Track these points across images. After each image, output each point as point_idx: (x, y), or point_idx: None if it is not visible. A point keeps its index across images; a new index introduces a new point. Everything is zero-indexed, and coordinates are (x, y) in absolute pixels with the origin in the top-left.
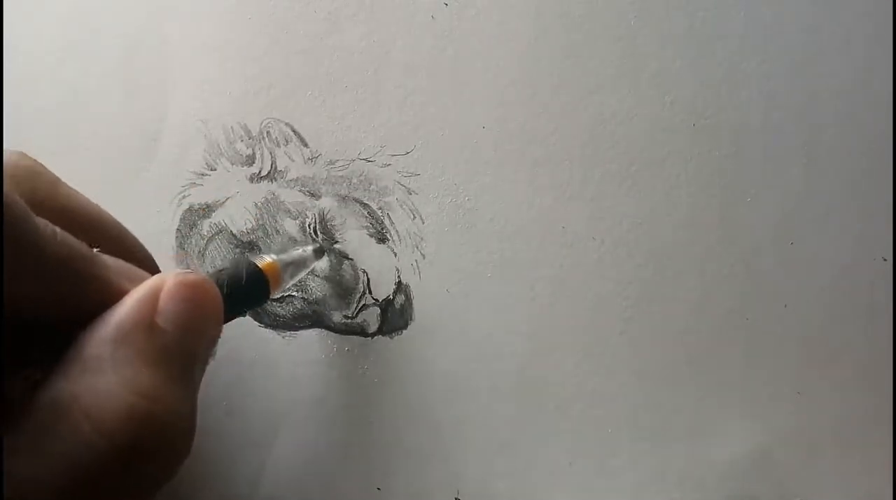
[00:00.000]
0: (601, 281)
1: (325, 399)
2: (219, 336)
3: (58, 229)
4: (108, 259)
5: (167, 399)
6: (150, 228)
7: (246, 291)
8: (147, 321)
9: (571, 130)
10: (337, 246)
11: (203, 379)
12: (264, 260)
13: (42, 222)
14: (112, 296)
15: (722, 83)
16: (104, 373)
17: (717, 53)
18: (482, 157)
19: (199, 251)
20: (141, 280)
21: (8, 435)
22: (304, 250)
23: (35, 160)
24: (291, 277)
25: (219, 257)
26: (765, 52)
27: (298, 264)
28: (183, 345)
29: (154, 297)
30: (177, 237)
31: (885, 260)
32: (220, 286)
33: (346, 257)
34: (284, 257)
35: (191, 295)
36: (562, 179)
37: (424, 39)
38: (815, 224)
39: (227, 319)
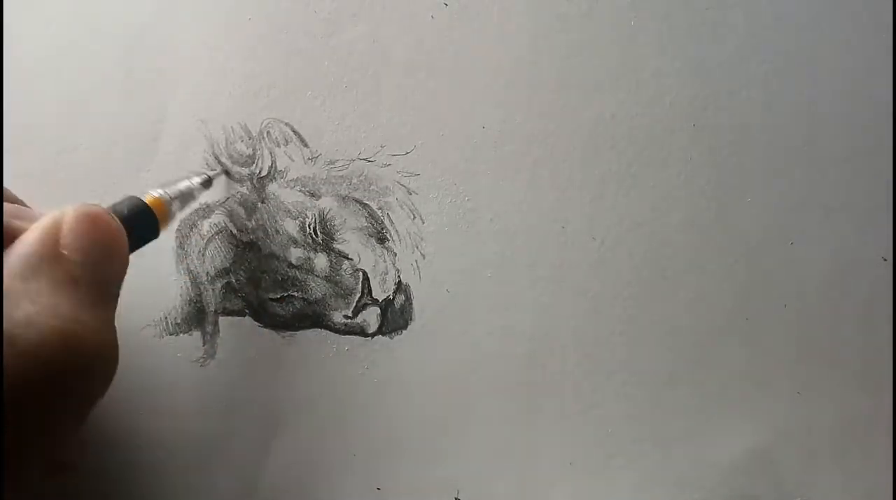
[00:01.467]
0: (601, 281)
1: (324, 399)
2: (126, 264)
3: None
4: (4, 205)
5: (87, 320)
6: None
7: (134, 226)
8: (53, 252)
9: (571, 130)
10: (337, 246)
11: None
12: (150, 195)
13: None
14: (10, 234)
15: (722, 83)
16: (20, 305)
17: (717, 53)
18: (482, 157)
19: (200, 251)
20: (34, 219)
21: None
22: (191, 182)
23: None
24: (180, 210)
25: (219, 257)
26: (765, 52)
27: (186, 197)
28: (93, 271)
29: (56, 229)
30: (176, 237)
31: (885, 260)
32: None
33: (346, 257)
34: (170, 190)
35: (92, 224)
36: (562, 179)
37: (424, 39)
38: (815, 224)
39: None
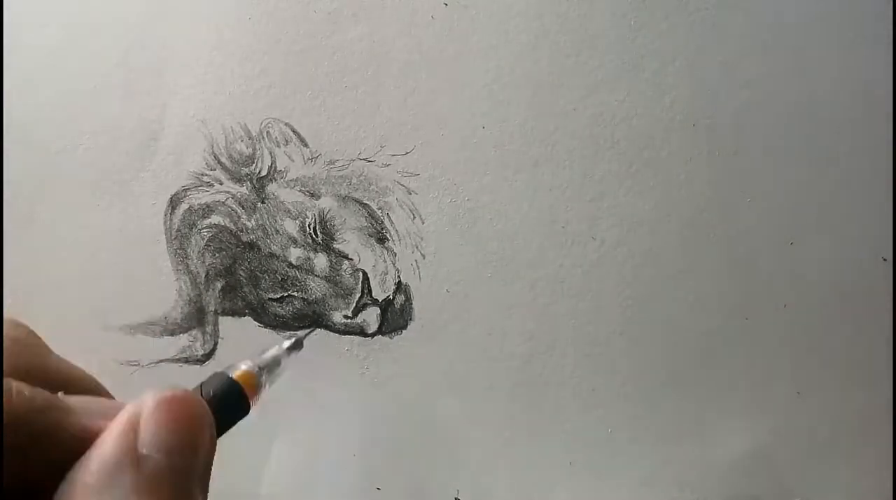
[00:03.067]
0: (601, 281)
1: (324, 399)
2: (214, 449)
3: (14, 384)
4: (76, 399)
5: None
6: (150, 227)
7: (223, 406)
8: (131, 454)
9: (571, 130)
10: (337, 246)
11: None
12: (239, 370)
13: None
14: (85, 438)
15: (722, 83)
16: None
17: (717, 53)
18: (482, 157)
19: (200, 251)
20: (116, 413)
21: None
22: (279, 348)
23: (24, 328)
24: (269, 380)
25: (219, 257)
26: (765, 53)
27: (273, 365)
28: (175, 468)
29: (133, 425)
30: (177, 237)
31: (884, 260)
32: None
33: (346, 257)
34: (259, 361)
35: (173, 413)
36: (562, 179)
37: (424, 39)
38: (815, 224)
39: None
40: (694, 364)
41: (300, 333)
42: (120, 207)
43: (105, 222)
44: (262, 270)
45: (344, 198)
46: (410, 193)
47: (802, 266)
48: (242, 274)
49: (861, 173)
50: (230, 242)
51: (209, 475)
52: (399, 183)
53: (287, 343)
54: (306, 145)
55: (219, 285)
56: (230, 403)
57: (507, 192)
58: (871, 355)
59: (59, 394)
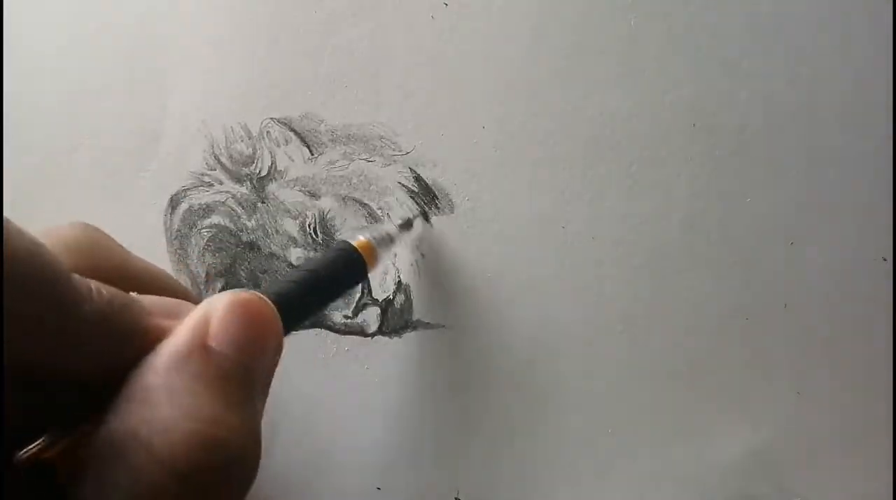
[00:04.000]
0: (601, 281)
1: (324, 399)
2: (279, 355)
3: (93, 284)
4: (151, 301)
5: (230, 423)
6: (150, 227)
7: (343, 275)
8: (200, 345)
9: (571, 130)
10: None
11: None
12: (358, 239)
13: (79, 281)
14: (159, 336)
15: (722, 83)
16: (160, 404)
17: (717, 53)
18: (482, 157)
19: (200, 251)
20: (188, 312)
21: (67, 485)
22: (392, 225)
23: (100, 231)
24: (387, 250)
25: (219, 257)
26: (765, 52)
27: (386, 240)
28: (241, 366)
29: (205, 321)
30: (177, 237)
31: (885, 260)
32: (316, 271)
33: None
34: (376, 234)
35: (244, 314)
36: (562, 179)
37: (424, 39)
38: (815, 224)
39: (330, 300)
40: (694, 364)
41: (410, 214)
42: (120, 207)
43: (105, 222)
44: (262, 270)
45: (344, 198)
46: (411, 194)
47: (802, 266)
48: (242, 274)
49: (861, 173)
50: (230, 242)
51: (271, 379)
52: (399, 183)
53: (399, 221)
54: (306, 145)
55: (219, 285)
56: (351, 267)
57: (507, 192)
58: (871, 355)
59: (132, 294)
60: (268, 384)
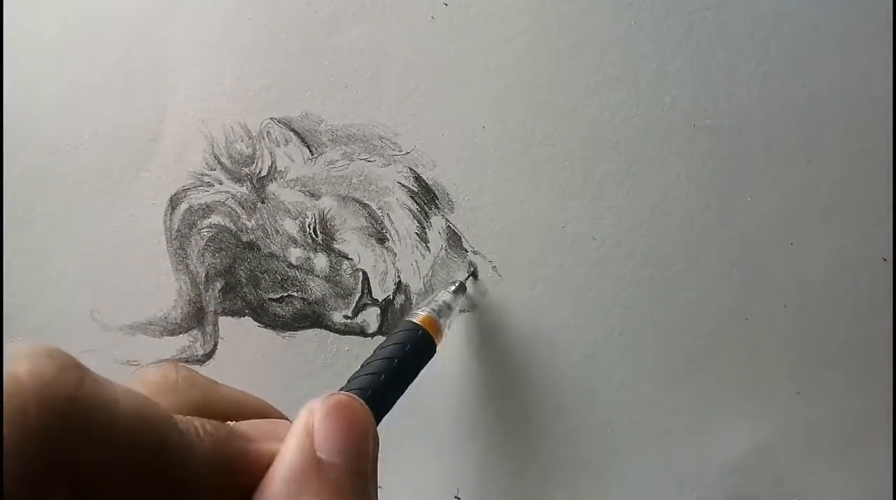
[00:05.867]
0: (601, 281)
1: None
2: (378, 447)
3: (198, 423)
4: (249, 426)
5: None
6: (150, 227)
7: (416, 355)
8: (312, 462)
9: (571, 130)
10: (337, 246)
11: None
12: (420, 315)
13: (184, 423)
14: (264, 462)
15: (722, 83)
16: None
17: (717, 53)
18: (482, 157)
19: (200, 251)
20: (285, 431)
21: None
22: (447, 292)
23: (187, 368)
24: (448, 321)
25: (219, 257)
26: (765, 52)
27: (445, 309)
28: (353, 470)
29: (308, 435)
30: (177, 237)
31: (884, 260)
32: (392, 358)
33: (346, 257)
34: (434, 306)
35: (343, 419)
36: (562, 179)
37: (424, 39)
38: (815, 224)
39: (408, 384)
40: (694, 364)
41: (460, 277)
42: (120, 207)
43: (105, 222)
44: (262, 270)
45: (344, 198)
46: (411, 194)
47: (802, 266)
48: (242, 274)
49: (861, 173)
50: (230, 242)
51: (377, 473)
52: (399, 183)
53: (452, 287)
54: (306, 145)
55: (219, 285)
56: (419, 346)
57: (507, 192)
58: (871, 355)
59: (229, 423)
60: (376, 478)
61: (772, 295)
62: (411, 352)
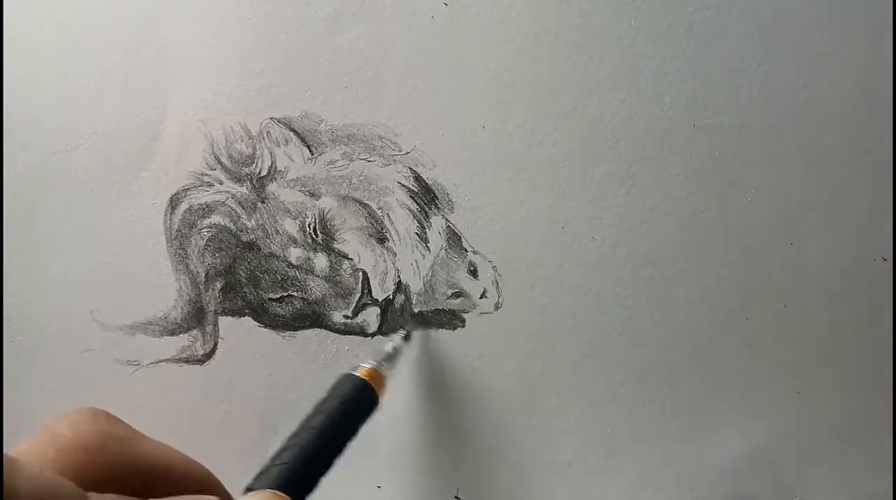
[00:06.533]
0: (601, 281)
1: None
2: None
3: (96, 497)
4: None
5: None
6: (150, 227)
7: (358, 407)
8: None
9: (571, 130)
10: (337, 246)
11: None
12: (363, 368)
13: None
14: None
15: (722, 83)
16: None
17: (717, 53)
18: (482, 157)
19: (200, 251)
20: None
21: None
22: (393, 340)
23: (107, 419)
24: (391, 370)
25: (219, 257)
26: (765, 52)
27: (392, 357)
28: None
29: None
30: (177, 237)
31: (884, 260)
32: (330, 414)
33: (346, 257)
34: (378, 357)
35: None
36: (562, 179)
37: (424, 39)
38: (815, 224)
39: (349, 440)
40: (694, 364)
41: (407, 327)
42: (120, 207)
43: (105, 222)
44: (262, 270)
45: (344, 198)
46: (411, 194)
47: (802, 266)
48: (242, 274)
49: (861, 173)
50: (230, 243)
51: None
52: (399, 183)
53: (398, 337)
54: (306, 145)
55: (219, 284)
56: (363, 398)
57: (507, 192)
58: (871, 355)
59: None
60: None
61: (771, 295)
62: (350, 406)
